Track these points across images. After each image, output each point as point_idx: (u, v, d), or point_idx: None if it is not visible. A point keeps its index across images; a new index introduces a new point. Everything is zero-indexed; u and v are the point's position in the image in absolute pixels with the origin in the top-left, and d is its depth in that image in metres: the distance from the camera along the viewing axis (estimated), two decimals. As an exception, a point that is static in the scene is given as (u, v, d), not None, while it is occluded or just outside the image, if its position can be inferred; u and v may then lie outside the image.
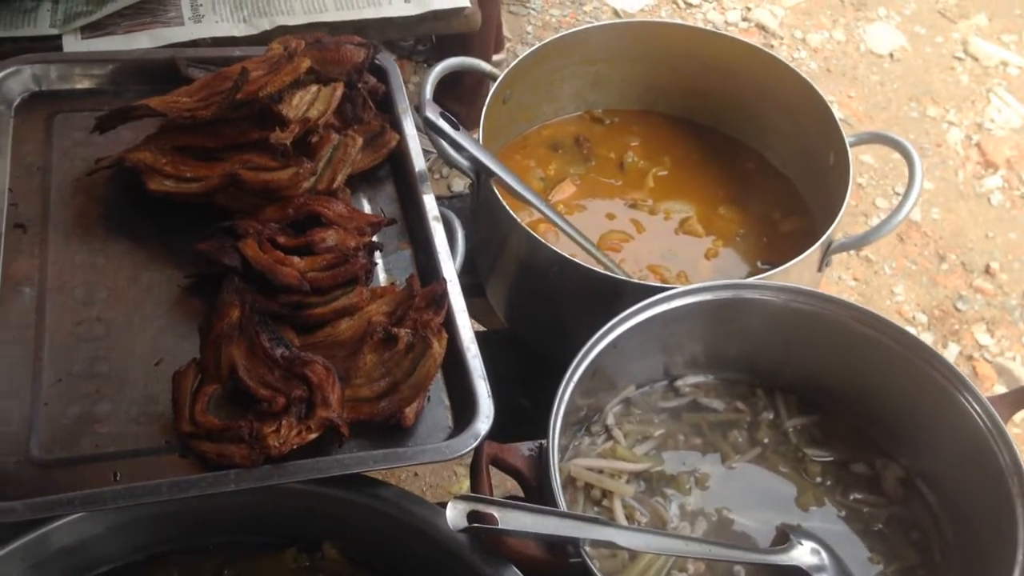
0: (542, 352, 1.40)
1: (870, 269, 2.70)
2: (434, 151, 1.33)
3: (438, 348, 0.99)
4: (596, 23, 1.50)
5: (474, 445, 0.99)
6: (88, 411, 1.00)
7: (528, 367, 1.35)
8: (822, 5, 3.48)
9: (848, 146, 1.34)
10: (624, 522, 1.09)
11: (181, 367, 1.01)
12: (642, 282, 1.19)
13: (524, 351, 1.42)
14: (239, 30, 1.57)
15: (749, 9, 3.43)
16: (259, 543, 1.05)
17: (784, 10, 3.45)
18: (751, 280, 1.16)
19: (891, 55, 3.31)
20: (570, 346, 1.14)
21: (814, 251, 1.24)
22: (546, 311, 1.36)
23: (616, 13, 3.39)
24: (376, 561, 1.04)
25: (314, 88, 1.24)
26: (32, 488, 0.93)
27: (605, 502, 1.13)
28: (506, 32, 3.02)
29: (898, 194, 2.84)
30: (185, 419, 0.98)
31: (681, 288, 1.14)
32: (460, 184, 2.66)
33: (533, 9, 3.38)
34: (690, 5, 3.45)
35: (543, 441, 1.06)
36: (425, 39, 2.94)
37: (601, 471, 1.15)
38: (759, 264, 1.40)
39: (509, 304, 1.42)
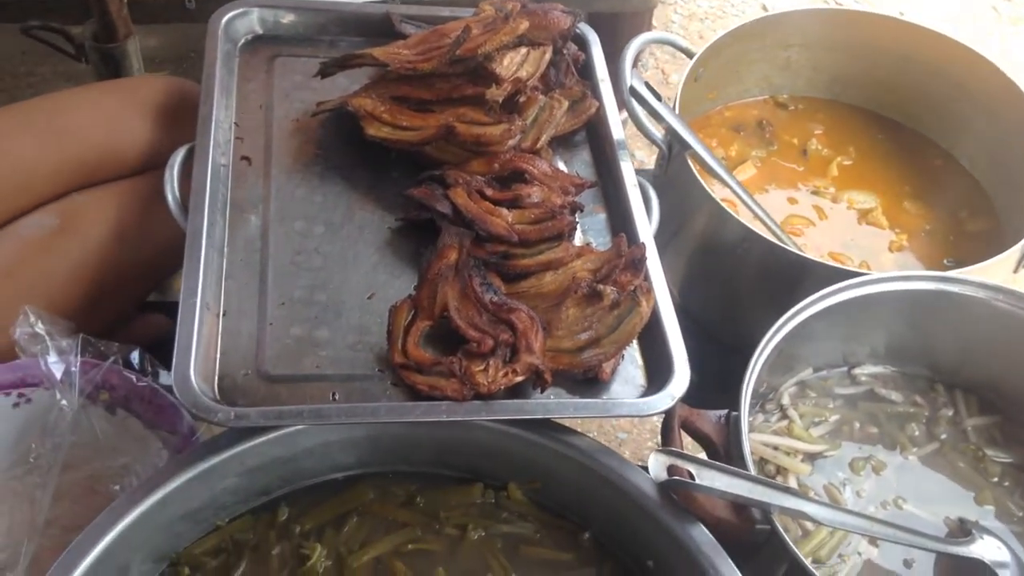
0: (713, 328, 1.42)
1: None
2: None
3: (646, 307, 1.02)
4: (797, 8, 1.49)
5: (670, 405, 1.02)
6: (308, 335, 1.06)
7: (698, 341, 1.37)
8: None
9: (1051, 150, 1.32)
10: (799, 499, 1.11)
11: (397, 302, 1.06)
12: (837, 264, 1.20)
13: (694, 325, 1.44)
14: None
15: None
16: (449, 476, 1.10)
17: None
18: (954, 273, 1.16)
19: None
20: (747, 323, 1.16)
21: (1013, 252, 1.22)
22: (724, 288, 1.38)
23: (764, 7, 3.34)
24: (561, 508, 1.08)
25: (524, 50, 1.27)
26: (259, 399, 1.00)
27: (779, 479, 1.15)
28: (653, 21, 3.01)
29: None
30: (398, 351, 1.03)
31: (880, 274, 1.14)
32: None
33: (680, -1, 3.35)
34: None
35: (729, 410, 1.08)
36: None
37: (776, 448, 1.17)
38: (945, 262, 1.38)
39: (685, 278, 1.44)
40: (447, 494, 1.09)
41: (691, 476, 0.96)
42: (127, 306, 1.37)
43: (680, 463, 0.95)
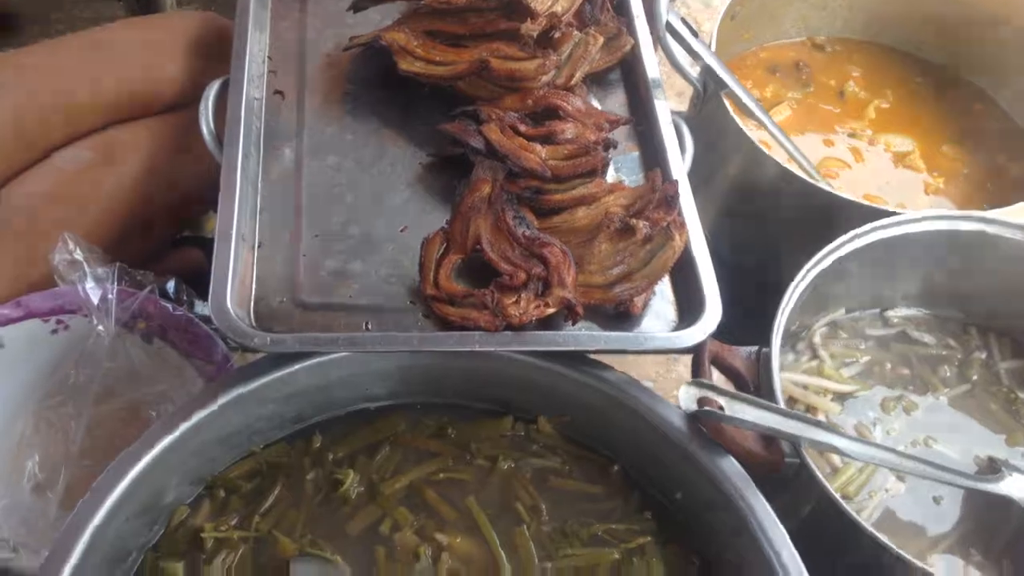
0: (745, 271, 1.41)
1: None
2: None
3: (679, 241, 1.02)
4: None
5: (702, 339, 1.02)
6: (342, 267, 1.07)
7: (729, 285, 1.37)
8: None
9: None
10: (828, 437, 1.11)
11: (429, 234, 1.07)
12: (873, 204, 1.18)
13: (725, 269, 1.43)
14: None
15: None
16: (479, 409, 1.11)
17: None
18: (993, 213, 1.14)
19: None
20: (779, 266, 1.15)
21: (1057, 196, 1.21)
22: (757, 231, 1.37)
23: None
24: (590, 441, 1.09)
25: (558, -16, 1.26)
26: (295, 327, 1.01)
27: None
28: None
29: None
30: (430, 283, 1.04)
31: (917, 213, 1.13)
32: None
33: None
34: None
35: (760, 347, 1.08)
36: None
37: (806, 387, 1.17)
38: (984, 207, 1.36)
39: (717, 221, 1.42)
40: (477, 426, 1.10)
41: (721, 409, 0.96)
42: (161, 241, 1.39)
43: (711, 395, 0.96)
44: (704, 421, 0.97)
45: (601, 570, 1.00)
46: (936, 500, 1.09)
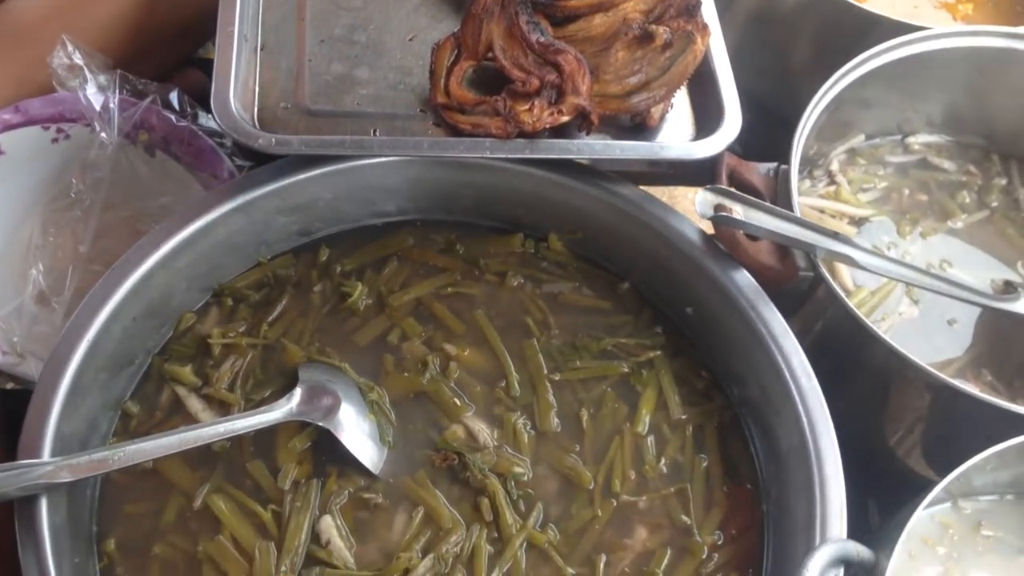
0: (764, 100, 1.37)
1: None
2: None
3: (700, 45, 0.98)
4: None
5: (720, 150, 0.99)
6: (348, 72, 1.03)
7: (748, 112, 1.33)
8: None
9: None
10: (842, 259, 1.09)
11: (440, 40, 1.03)
12: (899, 18, 1.13)
13: (743, 98, 1.39)
14: None
15: None
16: (488, 227, 1.09)
17: None
18: (1024, 28, 1.10)
19: None
20: (800, 94, 1.11)
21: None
22: (779, 58, 1.32)
23: None
24: (601, 259, 1.07)
25: None
26: (300, 132, 0.98)
27: (823, 240, 1.13)
28: None
29: None
30: (440, 90, 1.01)
31: (944, 28, 1.08)
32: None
33: None
34: None
35: (778, 163, 1.05)
36: None
37: (822, 211, 1.14)
38: (1015, 31, 1.31)
39: (736, 50, 1.37)
40: (487, 243, 1.08)
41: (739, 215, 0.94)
42: (166, 63, 1.34)
43: (727, 202, 0.93)
44: (719, 230, 0.96)
45: (610, 382, 0.99)
46: (950, 323, 1.08)
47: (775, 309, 0.94)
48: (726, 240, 0.97)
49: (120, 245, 1.06)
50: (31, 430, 0.81)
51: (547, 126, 0.97)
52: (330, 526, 0.88)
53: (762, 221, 0.92)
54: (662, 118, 1.02)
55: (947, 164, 1.20)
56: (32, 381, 0.95)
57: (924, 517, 0.92)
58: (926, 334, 1.07)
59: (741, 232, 0.95)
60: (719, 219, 0.92)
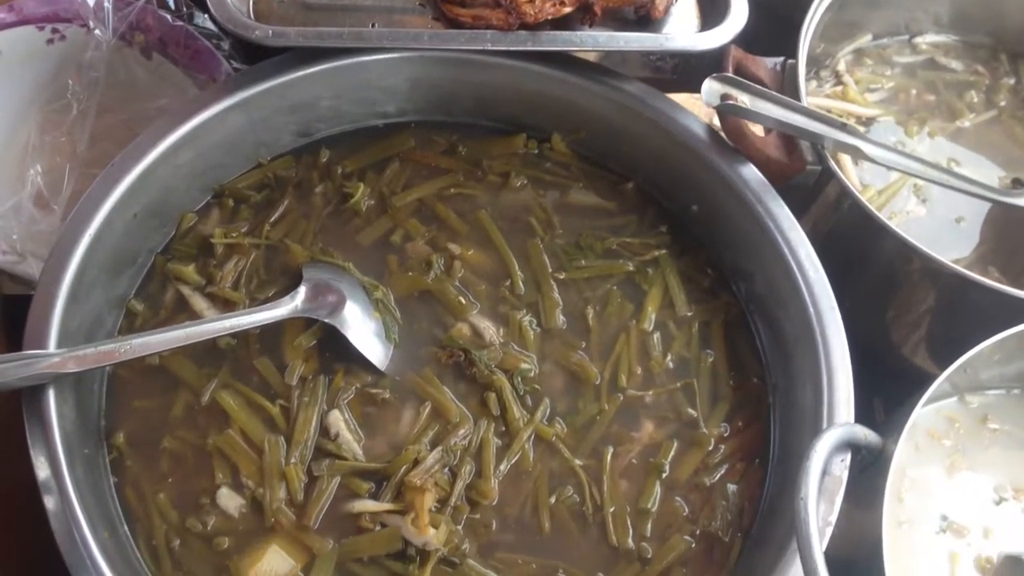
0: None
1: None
2: None
3: (706, -68, 0.96)
4: None
5: (727, 40, 0.97)
6: (346, -34, 1.01)
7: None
8: None
9: None
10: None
11: (439, -69, 1.00)
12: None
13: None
14: None
15: None
16: (491, 127, 1.08)
17: None
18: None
19: None
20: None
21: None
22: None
23: None
24: (605, 159, 1.06)
25: None
26: (297, 26, 0.96)
27: (829, 142, 1.11)
28: None
29: None
30: (440, -17, 0.98)
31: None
32: None
33: None
34: None
35: (785, 58, 1.04)
36: None
37: (829, 111, 1.13)
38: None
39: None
40: (489, 144, 1.07)
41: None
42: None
43: (734, 91, 0.92)
44: (726, 124, 0.94)
45: (615, 281, 0.99)
46: (957, 221, 1.07)
47: (782, 202, 0.93)
48: (733, 134, 0.95)
49: (118, 149, 1.03)
50: (36, 322, 0.81)
51: (549, 17, 0.95)
52: (338, 420, 0.88)
53: (769, 111, 0.91)
54: (667, 11, 1.00)
55: (955, 64, 1.18)
56: (33, 280, 0.95)
57: (930, 412, 0.92)
58: (933, 233, 1.07)
59: (748, 125, 0.94)
60: (725, 108, 0.91)
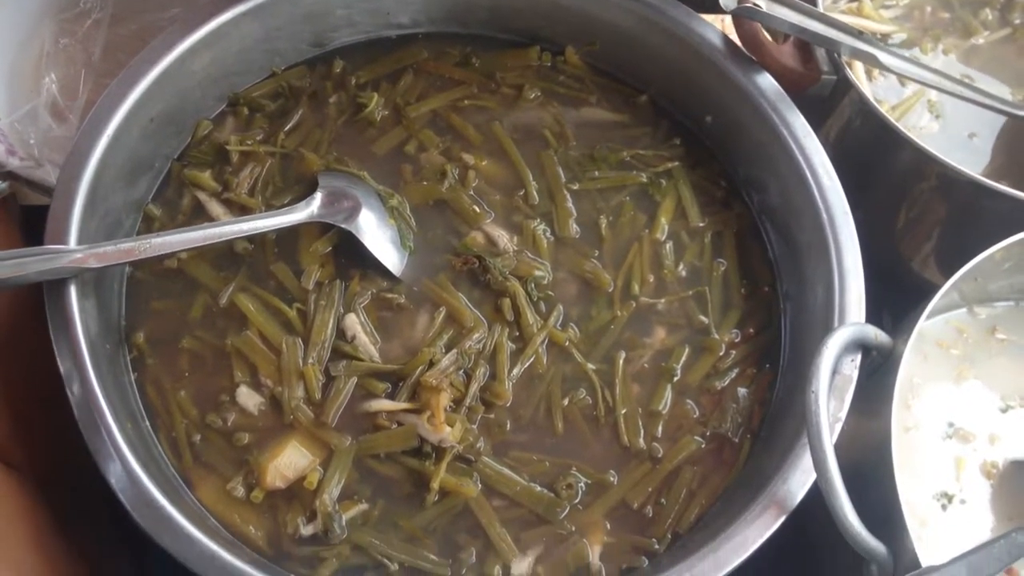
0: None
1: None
2: None
3: None
4: None
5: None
6: None
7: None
8: None
9: None
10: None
11: None
12: None
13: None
14: None
15: None
16: (505, 40, 1.07)
17: None
18: None
19: None
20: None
21: None
22: None
23: None
24: (619, 72, 1.06)
25: None
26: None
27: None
28: None
29: None
30: None
31: None
32: None
33: None
34: None
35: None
36: None
37: (844, 27, 1.12)
38: None
39: None
40: (503, 56, 1.07)
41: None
42: None
43: (750, -5, 0.91)
44: (742, 30, 0.94)
45: (628, 191, 0.99)
46: (970, 136, 1.07)
47: (797, 111, 0.94)
48: (749, 43, 0.95)
49: (131, 59, 1.04)
50: (56, 221, 0.81)
51: (567, -77, 0.94)
52: (355, 323, 0.89)
53: (786, 15, 0.91)
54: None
55: (972, -18, 1.17)
56: (50, 187, 0.95)
57: (939, 322, 0.93)
58: (946, 148, 1.05)
59: (764, 33, 0.94)
60: (742, 11, 0.90)
